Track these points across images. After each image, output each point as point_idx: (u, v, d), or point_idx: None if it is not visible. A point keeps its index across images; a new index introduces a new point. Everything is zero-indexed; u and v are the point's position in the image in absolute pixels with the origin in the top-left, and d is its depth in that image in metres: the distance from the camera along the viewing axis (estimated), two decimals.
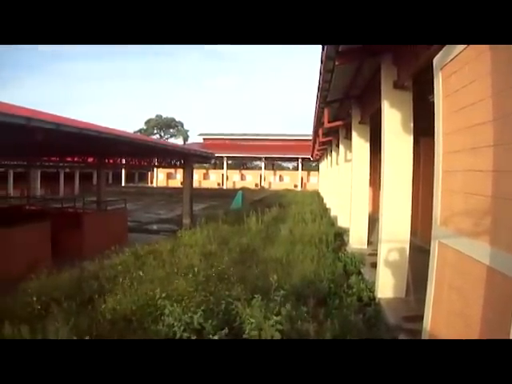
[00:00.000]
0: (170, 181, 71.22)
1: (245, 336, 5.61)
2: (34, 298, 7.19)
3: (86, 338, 5.06)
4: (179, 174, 60.63)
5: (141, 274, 8.86)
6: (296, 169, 71.26)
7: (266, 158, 68.23)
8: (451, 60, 4.67)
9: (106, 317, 6.65)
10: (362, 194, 12.97)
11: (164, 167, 31.39)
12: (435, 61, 5.16)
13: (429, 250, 5.23)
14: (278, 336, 5.49)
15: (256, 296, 6.33)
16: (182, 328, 5.84)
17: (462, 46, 4.32)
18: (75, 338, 5.08)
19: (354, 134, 13.07)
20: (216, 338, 5.49)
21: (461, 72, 4.46)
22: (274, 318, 5.74)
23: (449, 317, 4.64)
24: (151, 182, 73.95)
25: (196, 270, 8.82)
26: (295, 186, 63.81)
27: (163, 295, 6.73)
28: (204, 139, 74.57)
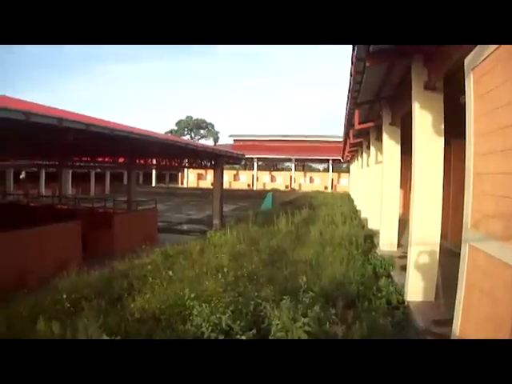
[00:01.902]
0: (200, 182, 71.57)
1: (271, 337, 5.61)
2: (65, 296, 7.33)
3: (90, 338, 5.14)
4: (210, 175, 60.90)
5: (170, 273, 8.94)
6: (326, 170, 70.91)
7: (296, 159, 68.04)
8: (483, 60, 4.60)
9: (134, 315, 6.74)
10: (392, 196, 12.85)
11: (194, 168, 31.56)
12: (466, 61, 5.10)
13: (459, 254, 5.16)
14: (304, 337, 5.48)
15: (285, 297, 6.32)
16: (209, 328, 5.87)
17: (493, 47, 4.26)
18: (104, 335, 5.15)
19: (385, 136, 12.97)
20: (243, 338, 5.52)
21: (492, 72, 4.40)
22: (302, 319, 5.73)
23: (479, 321, 4.57)
24: (182, 183, 74.51)
25: (225, 270, 8.83)
26: (325, 188, 63.49)
27: (192, 295, 6.76)
28: (234, 140, 74.70)
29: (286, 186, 67.16)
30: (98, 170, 53.12)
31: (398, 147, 12.78)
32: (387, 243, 12.79)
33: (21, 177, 47.53)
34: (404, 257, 9.41)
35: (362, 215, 21.66)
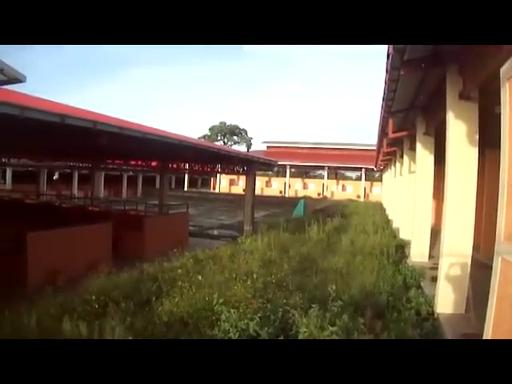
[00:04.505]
0: (232, 187, 71.77)
1: None
2: (94, 297, 7.44)
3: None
4: (242, 181, 61.00)
5: (200, 278, 8.98)
6: (359, 179, 70.34)
7: (329, 167, 67.70)
8: None
9: (162, 318, 6.80)
10: (425, 207, 12.71)
11: (227, 174, 31.72)
12: (502, 71, 5.02)
13: (491, 266, 5.08)
14: None
15: (313, 305, 6.30)
16: (237, 334, 5.88)
17: None
18: (131, 337, 5.22)
19: (419, 146, 12.84)
20: None
21: None
22: (330, 328, 5.70)
23: (510, 335, 4.49)
24: (214, 188, 74.86)
25: (255, 276, 8.85)
26: (358, 197, 62.97)
27: (220, 300, 6.79)
28: (267, 147, 74.80)
29: (318, 194, 66.82)
30: (131, 173, 53.74)
31: (432, 157, 12.64)
32: (418, 254, 12.65)
33: (54, 178, 48.29)
34: (435, 268, 9.28)
35: (394, 225, 21.43)
